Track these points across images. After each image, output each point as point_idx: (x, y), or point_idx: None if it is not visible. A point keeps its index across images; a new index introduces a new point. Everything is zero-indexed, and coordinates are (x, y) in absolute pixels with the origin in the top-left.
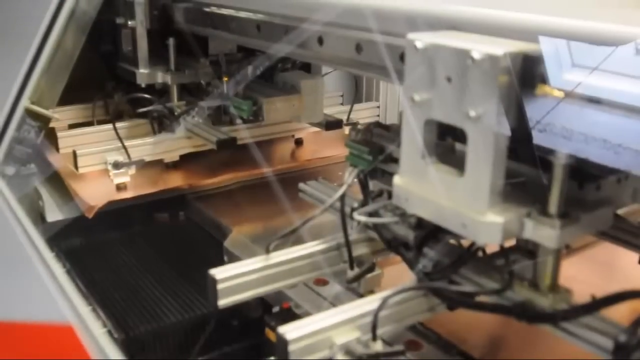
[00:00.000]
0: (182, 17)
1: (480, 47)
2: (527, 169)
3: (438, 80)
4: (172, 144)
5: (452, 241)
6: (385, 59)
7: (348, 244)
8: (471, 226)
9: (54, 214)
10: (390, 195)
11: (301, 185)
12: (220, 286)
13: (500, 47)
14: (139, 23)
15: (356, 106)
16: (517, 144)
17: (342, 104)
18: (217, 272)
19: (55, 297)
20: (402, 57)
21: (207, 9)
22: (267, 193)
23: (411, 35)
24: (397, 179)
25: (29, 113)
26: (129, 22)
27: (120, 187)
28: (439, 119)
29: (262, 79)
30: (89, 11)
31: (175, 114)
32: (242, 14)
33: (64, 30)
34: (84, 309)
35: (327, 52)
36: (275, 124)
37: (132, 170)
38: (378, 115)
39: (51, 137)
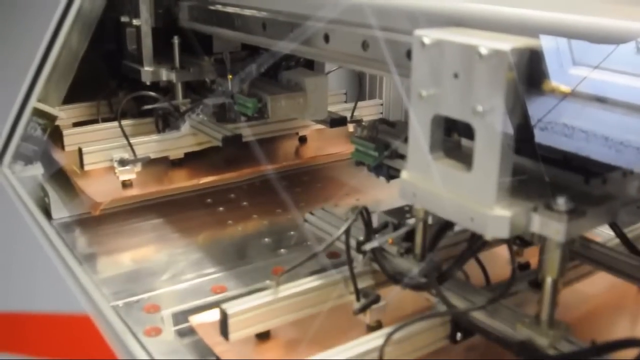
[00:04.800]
0: (186, 15)
1: (487, 42)
2: (534, 163)
3: (445, 76)
4: (178, 142)
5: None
6: (391, 55)
7: (353, 276)
8: (479, 220)
9: (60, 211)
10: (395, 228)
11: (307, 216)
12: (231, 320)
13: (508, 43)
14: (144, 21)
15: (360, 104)
16: (524, 138)
17: (345, 101)
18: (229, 307)
19: (72, 288)
20: (408, 54)
21: (212, 7)
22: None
23: (418, 32)
24: (404, 174)
25: (34, 111)
26: (134, 21)
27: (125, 184)
28: (446, 114)
29: (266, 77)
30: (94, 10)
31: (181, 111)
32: (247, 12)
33: (70, 29)
34: (100, 299)
35: (333, 49)
36: (280, 122)
37: (138, 168)
38: (381, 113)
39: (56, 135)
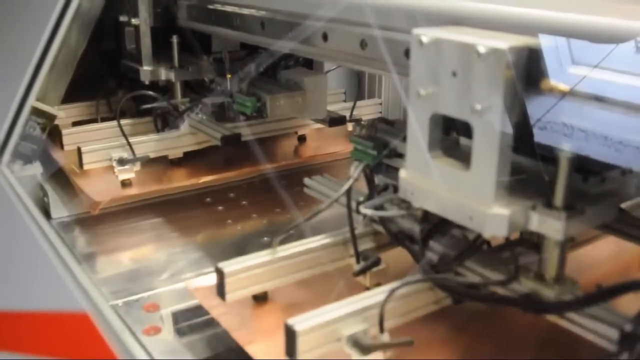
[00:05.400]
0: (185, 14)
1: (485, 41)
2: (532, 161)
3: (443, 74)
4: (177, 141)
5: (458, 234)
6: (389, 54)
7: (354, 238)
8: (477, 218)
9: (59, 210)
10: (395, 189)
11: (306, 180)
12: (228, 280)
13: (506, 41)
14: (143, 21)
15: (359, 103)
16: (523, 137)
17: (344, 101)
18: (225, 266)
19: (71, 287)
20: (406, 53)
21: (210, 6)
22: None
23: (416, 31)
24: (403, 173)
25: (33, 111)
26: (133, 20)
27: (125, 184)
28: (445, 113)
29: (265, 76)
30: (93, 9)
31: (179, 110)
32: (246, 11)
33: (69, 28)
34: (99, 298)
35: (332, 48)
36: (279, 121)
37: (137, 167)
38: (380, 112)
39: (55, 134)
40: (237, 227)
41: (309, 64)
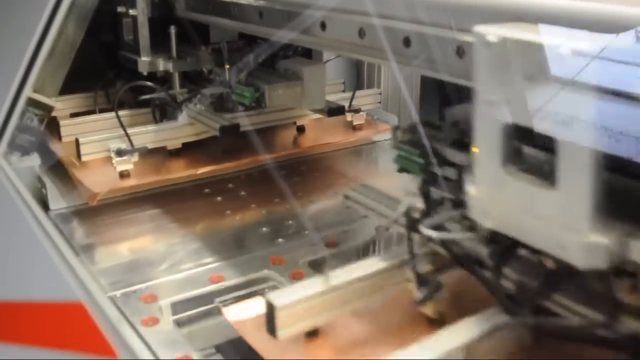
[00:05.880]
0: (183, 5)
1: (567, 42)
2: (621, 179)
3: (516, 78)
4: (175, 132)
5: (532, 258)
6: (387, 43)
7: (414, 262)
8: (569, 248)
9: (57, 202)
10: (454, 204)
11: (347, 192)
12: (279, 314)
13: (588, 42)
14: (140, 11)
15: (358, 93)
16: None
17: (343, 91)
18: (275, 298)
19: (69, 279)
20: (405, 41)
21: None
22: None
23: (479, 28)
24: (472, 190)
25: (30, 102)
26: (130, 11)
27: (123, 175)
28: (520, 122)
29: (263, 67)
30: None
31: (178, 101)
32: (244, 0)
33: (66, 18)
34: (97, 290)
35: (330, 37)
36: (277, 111)
37: (135, 158)
38: (379, 102)
39: (53, 126)
40: (236, 217)
41: (307, 54)
